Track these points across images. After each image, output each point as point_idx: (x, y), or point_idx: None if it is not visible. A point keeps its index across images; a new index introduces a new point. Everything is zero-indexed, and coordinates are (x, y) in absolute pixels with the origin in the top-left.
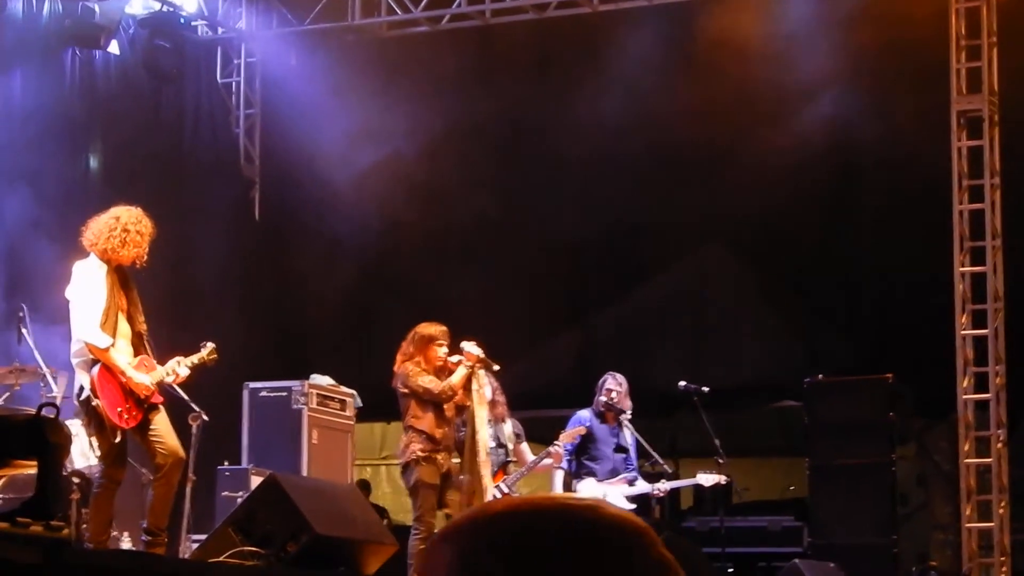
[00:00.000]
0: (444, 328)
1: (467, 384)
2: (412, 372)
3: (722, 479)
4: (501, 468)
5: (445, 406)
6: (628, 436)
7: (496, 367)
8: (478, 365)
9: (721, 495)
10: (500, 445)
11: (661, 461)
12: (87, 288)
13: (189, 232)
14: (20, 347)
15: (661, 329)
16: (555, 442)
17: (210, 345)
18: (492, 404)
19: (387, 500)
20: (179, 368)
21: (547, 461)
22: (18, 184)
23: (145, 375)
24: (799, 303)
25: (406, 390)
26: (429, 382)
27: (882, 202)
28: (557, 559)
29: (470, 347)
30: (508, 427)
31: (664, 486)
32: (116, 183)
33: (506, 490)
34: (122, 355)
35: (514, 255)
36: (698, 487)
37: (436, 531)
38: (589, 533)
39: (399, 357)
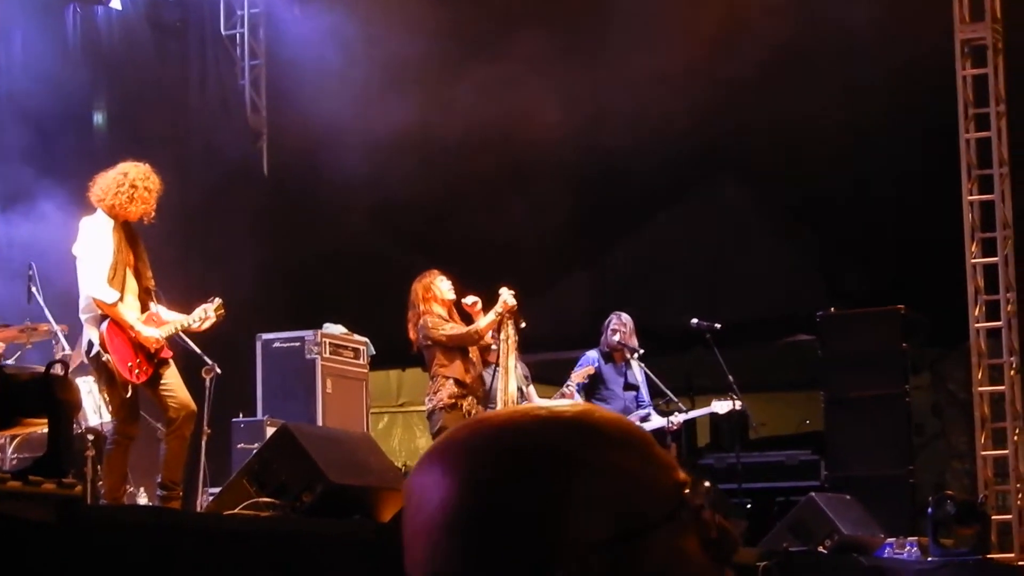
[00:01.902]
0: (435, 270)
1: (496, 330)
2: (432, 323)
3: (737, 404)
4: None
5: (471, 351)
6: (638, 373)
7: (523, 324)
8: (507, 316)
9: (737, 431)
10: (516, 388)
11: (675, 399)
12: (94, 244)
13: (197, 185)
14: (30, 305)
15: (672, 266)
16: (567, 383)
17: (217, 300)
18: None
19: (405, 448)
20: (189, 322)
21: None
22: (24, 143)
23: (154, 329)
24: (810, 236)
25: (429, 342)
26: (451, 328)
27: (892, 133)
28: (585, 468)
29: (507, 295)
30: (520, 369)
31: (678, 418)
32: (122, 138)
33: None
34: (130, 310)
35: (522, 197)
36: (715, 422)
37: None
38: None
39: (409, 323)
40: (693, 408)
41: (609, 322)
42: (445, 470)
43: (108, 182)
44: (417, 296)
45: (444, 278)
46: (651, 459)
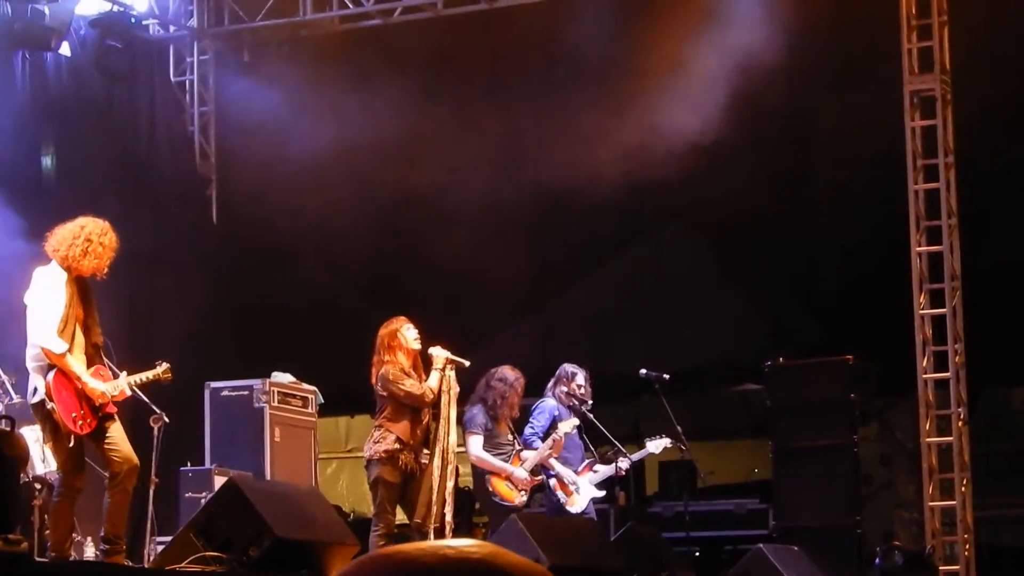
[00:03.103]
0: (402, 317)
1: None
2: (393, 376)
3: (668, 442)
4: (515, 456)
5: (421, 411)
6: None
7: (467, 363)
8: (449, 367)
9: (685, 479)
10: (513, 436)
11: (622, 448)
12: (46, 294)
13: (146, 231)
14: None
15: (619, 313)
16: (555, 434)
17: (165, 364)
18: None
19: (353, 493)
20: (124, 386)
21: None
22: None
23: (101, 383)
24: (758, 284)
25: (385, 393)
26: (411, 386)
27: (839, 181)
28: None
29: (437, 351)
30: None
31: (623, 464)
32: (70, 184)
33: (526, 473)
34: (78, 363)
35: (469, 245)
36: (663, 470)
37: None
38: None
39: (374, 367)
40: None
41: (573, 376)
42: None
43: (64, 234)
44: (383, 343)
45: (411, 326)
46: None
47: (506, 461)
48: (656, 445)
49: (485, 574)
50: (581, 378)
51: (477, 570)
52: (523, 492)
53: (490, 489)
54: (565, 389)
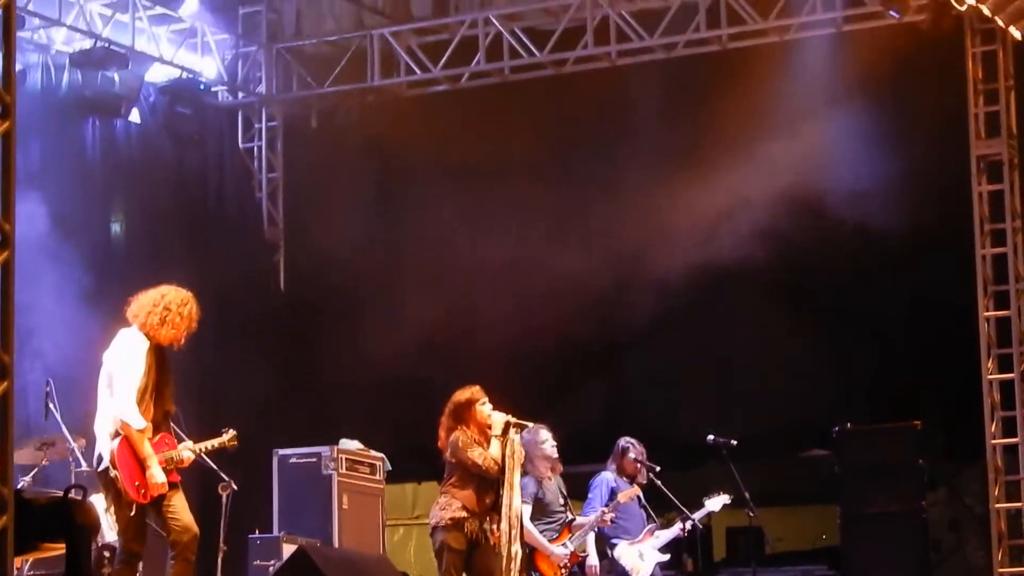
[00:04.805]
0: (476, 387)
1: (502, 452)
2: (463, 443)
3: (727, 499)
4: (567, 526)
5: (488, 481)
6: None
7: (529, 425)
8: (513, 430)
9: (753, 545)
10: (565, 504)
11: (685, 510)
12: (129, 361)
13: (213, 297)
14: (47, 422)
15: (685, 378)
16: (600, 506)
17: (231, 432)
18: (551, 462)
19: (420, 559)
20: (188, 454)
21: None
22: (40, 252)
23: (163, 474)
24: (826, 350)
25: (454, 460)
26: (479, 456)
27: (907, 247)
28: None
29: (496, 416)
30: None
31: (682, 525)
32: (139, 250)
33: (571, 549)
34: (148, 445)
35: (538, 309)
36: (731, 536)
37: None
38: None
39: (442, 432)
40: (710, 522)
41: (627, 449)
42: None
43: (144, 301)
44: (456, 410)
45: (487, 401)
46: None
47: (556, 531)
48: (715, 503)
49: None
50: (634, 452)
51: None
52: (564, 572)
53: (534, 565)
54: (620, 462)
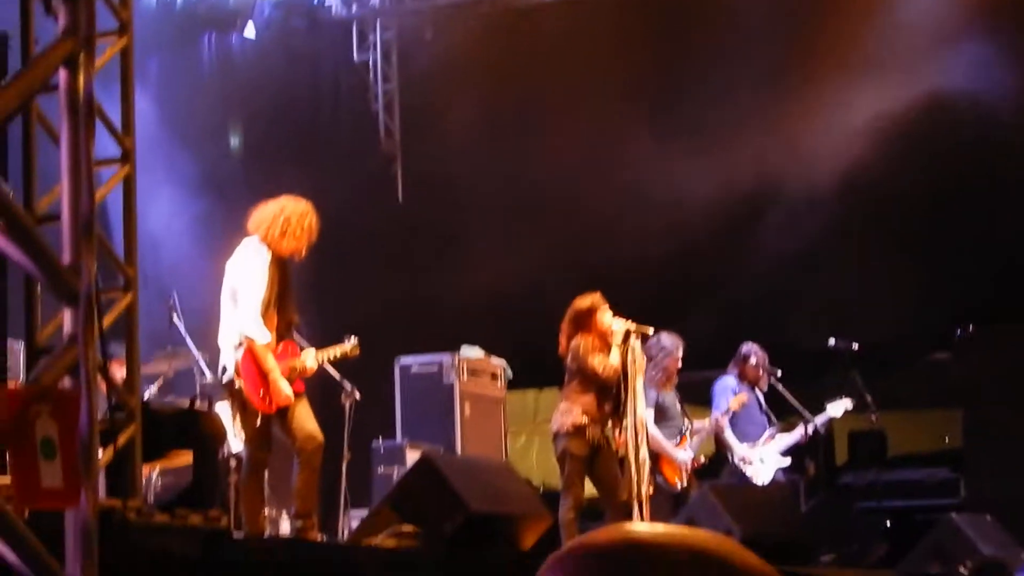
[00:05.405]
0: (597, 294)
1: (623, 359)
2: (584, 350)
3: (849, 403)
4: (685, 433)
5: (609, 388)
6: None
7: (650, 330)
8: (634, 336)
9: (876, 449)
10: (682, 410)
11: (807, 414)
12: (251, 274)
13: (331, 210)
14: (172, 332)
15: (803, 285)
16: (717, 412)
17: (354, 340)
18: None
19: (543, 466)
20: (312, 362)
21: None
22: (160, 167)
23: (288, 386)
24: (949, 251)
25: (575, 366)
26: (599, 363)
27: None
28: None
29: (617, 324)
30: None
31: (803, 430)
32: (256, 164)
33: (692, 454)
34: (272, 358)
35: (654, 220)
36: (853, 440)
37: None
38: None
39: (562, 339)
40: (831, 428)
41: (749, 354)
42: None
43: (265, 213)
44: (577, 317)
45: (608, 310)
46: None
47: (675, 436)
48: (837, 407)
49: (724, 573)
50: (755, 358)
51: (720, 567)
52: (685, 476)
53: (658, 469)
54: (742, 368)
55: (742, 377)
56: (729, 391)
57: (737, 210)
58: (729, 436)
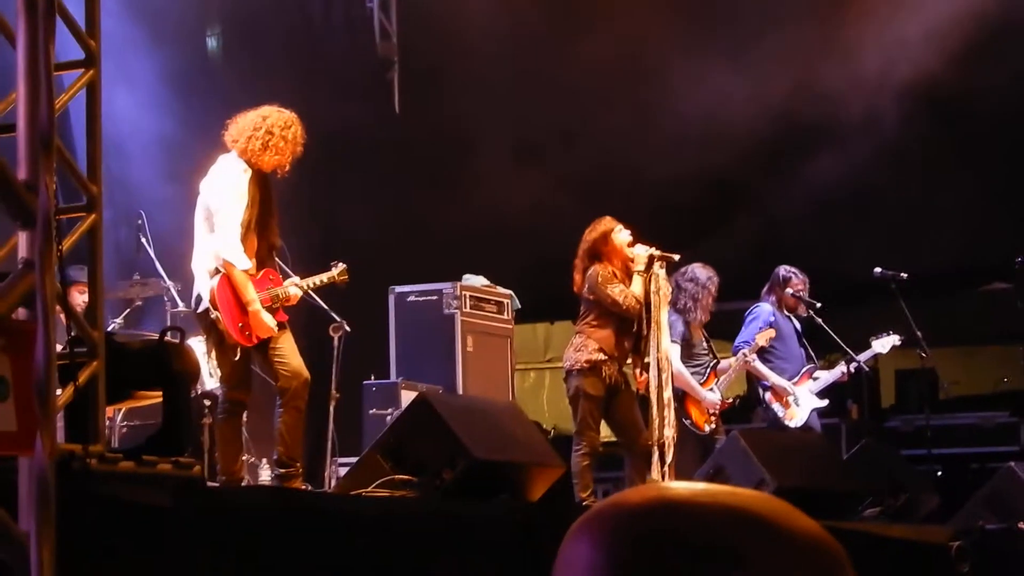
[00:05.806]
0: (610, 218)
1: (645, 288)
2: (603, 278)
3: (897, 339)
4: (712, 370)
5: (629, 321)
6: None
7: (676, 257)
8: (657, 263)
9: (926, 390)
10: (709, 346)
11: (850, 351)
12: (230, 192)
13: (321, 120)
14: (140, 257)
15: (848, 210)
16: (743, 341)
17: (341, 265)
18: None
19: (554, 407)
20: (295, 291)
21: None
22: (133, 69)
23: (270, 317)
24: (1005, 177)
25: (592, 297)
26: (619, 293)
27: None
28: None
29: (638, 249)
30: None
31: (845, 368)
32: (237, 67)
33: (719, 396)
34: (252, 287)
35: (682, 142)
36: (900, 380)
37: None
38: (763, 545)
39: (576, 275)
40: (877, 364)
41: (788, 278)
42: (591, 543)
43: (244, 124)
44: (591, 246)
45: (622, 228)
46: None
47: (702, 375)
48: (883, 344)
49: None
50: (797, 282)
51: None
52: (713, 418)
53: (684, 410)
54: (780, 294)
55: (780, 304)
56: (761, 321)
57: (777, 126)
58: (760, 366)
